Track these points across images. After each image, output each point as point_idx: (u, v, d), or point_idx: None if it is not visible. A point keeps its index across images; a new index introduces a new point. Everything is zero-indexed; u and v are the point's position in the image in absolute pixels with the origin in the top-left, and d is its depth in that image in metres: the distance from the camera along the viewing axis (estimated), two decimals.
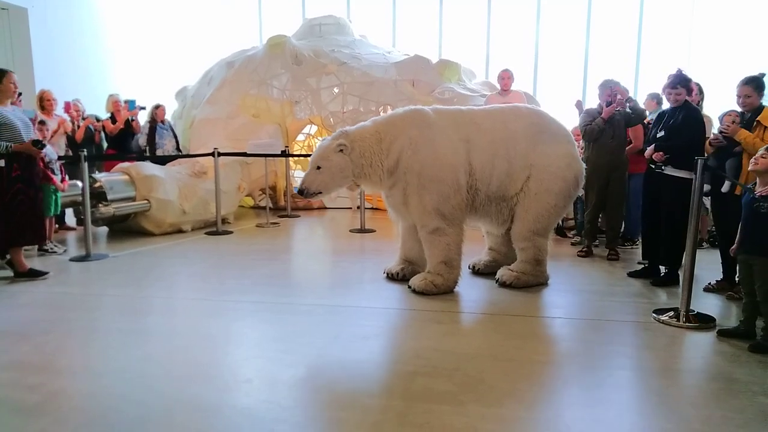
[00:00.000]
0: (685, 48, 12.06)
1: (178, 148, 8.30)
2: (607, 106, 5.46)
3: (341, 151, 4.19)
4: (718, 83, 8.57)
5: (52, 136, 6.32)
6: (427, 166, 4.16)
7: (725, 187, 4.17)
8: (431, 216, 4.18)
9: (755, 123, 4.08)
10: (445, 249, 4.25)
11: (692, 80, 4.63)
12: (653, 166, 4.57)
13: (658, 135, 4.59)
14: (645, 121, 5.90)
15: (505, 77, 7.01)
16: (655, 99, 6.32)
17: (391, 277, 4.71)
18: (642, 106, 6.34)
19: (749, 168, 3.54)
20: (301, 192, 4.31)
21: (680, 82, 4.47)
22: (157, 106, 7.92)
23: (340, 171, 4.24)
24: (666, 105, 4.79)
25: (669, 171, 4.48)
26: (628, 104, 5.60)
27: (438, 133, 4.27)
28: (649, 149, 4.62)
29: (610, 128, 5.49)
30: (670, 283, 4.59)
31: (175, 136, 8.40)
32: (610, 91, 5.52)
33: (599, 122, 5.47)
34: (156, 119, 7.87)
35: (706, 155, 4.31)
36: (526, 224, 4.41)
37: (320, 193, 4.34)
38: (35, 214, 4.67)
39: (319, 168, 4.24)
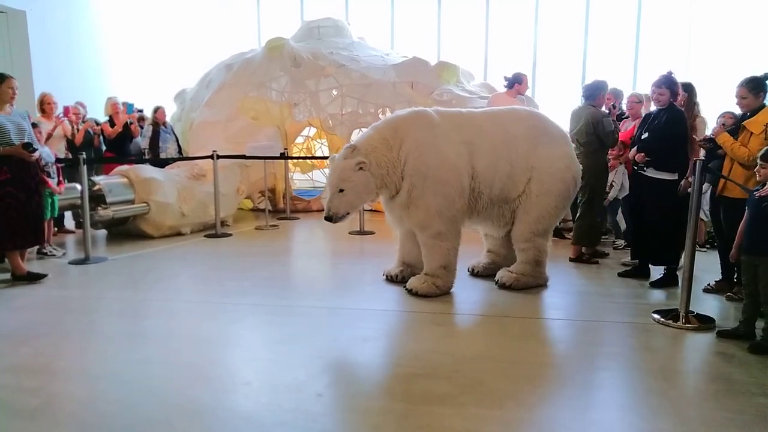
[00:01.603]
0: (684, 49, 12.08)
1: (180, 151, 8.31)
2: (613, 109, 5.48)
3: (361, 168, 4.09)
4: (717, 84, 8.59)
5: (48, 139, 6.30)
6: (433, 168, 4.14)
7: (704, 187, 4.20)
8: (435, 219, 4.17)
9: (740, 127, 4.08)
10: (446, 254, 4.25)
11: (679, 84, 4.61)
12: (636, 168, 4.60)
13: (642, 136, 4.63)
14: None
15: (527, 82, 6.98)
16: None
17: (391, 280, 4.71)
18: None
19: (757, 179, 3.54)
20: (329, 219, 4.15)
21: (665, 83, 4.50)
22: (156, 109, 7.93)
23: (364, 188, 4.14)
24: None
25: (650, 173, 4.53)
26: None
27: (441, 135, 4.26)
28: (633, 150, 4.66)
29: None
30: (669, 285, 4.60)
31: (177, 139, 8.41)
32: (612, 95, 5.54)
33: (617, 125, 5.50)
34: (158, 122, 7.89)
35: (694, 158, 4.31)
36: (527, 226, 4.42)
37: (348, 214, 4.24)
38: (26, 217, 4.64)
39: (342, 191, 4.12)
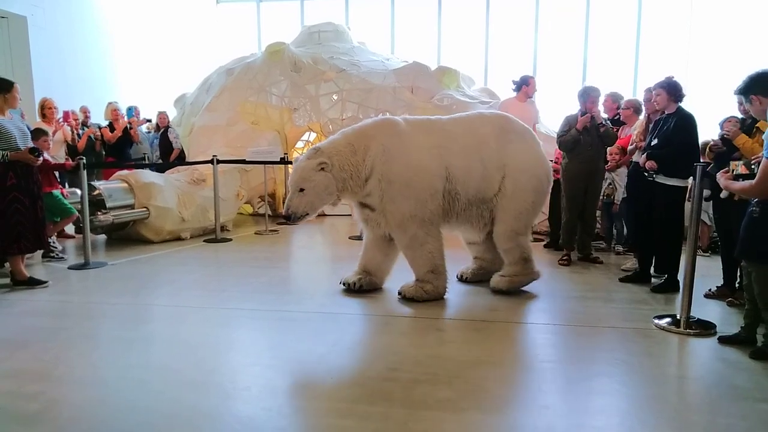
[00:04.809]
0: (684, 53, 12.10)
1: (163, 155, 8.36)
2: (582, 116, 5.46)
3: (323, 169, 4.12)
4: (718, 88, 8.60)
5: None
6: (401, 172, 4.16)
7: (723, 193, 4.17)
8: (409, 222, 4.17)
9: (754, 129, 4.09)
10: (430, 258, 4.24)
11: (678, 87, 4.59)
12: (646, 174, 4.59)
13: (653, 143, 4.62)
14: None
15: (534, 84, 6.92)
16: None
17: (349, 288, 4.57)
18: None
19: None
20: (288, 217, 4.20)
21: (661, 84, 4.55)
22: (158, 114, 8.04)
23: (324, 189, 4.16)
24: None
25: (660, 179, 4.52)
26: (601, 128, 5.55)
27: (409, 140, 4.28)
28: (642, 157, 4.64)
29: (587, 137, 5.48)
30: (670, 290, 4.59)
31: (169, 144, 8.44)
32: (590, 100, 5.52)
33: (574, 133, 5.47)
34: (159, 126, 7.99)
35: (702, 161, 4.30)
36: (507, 225, 4.42)
37: (307, 214, 4.25)
38: (31, 222, 4.65)
39: (302, 190, 4.14)
